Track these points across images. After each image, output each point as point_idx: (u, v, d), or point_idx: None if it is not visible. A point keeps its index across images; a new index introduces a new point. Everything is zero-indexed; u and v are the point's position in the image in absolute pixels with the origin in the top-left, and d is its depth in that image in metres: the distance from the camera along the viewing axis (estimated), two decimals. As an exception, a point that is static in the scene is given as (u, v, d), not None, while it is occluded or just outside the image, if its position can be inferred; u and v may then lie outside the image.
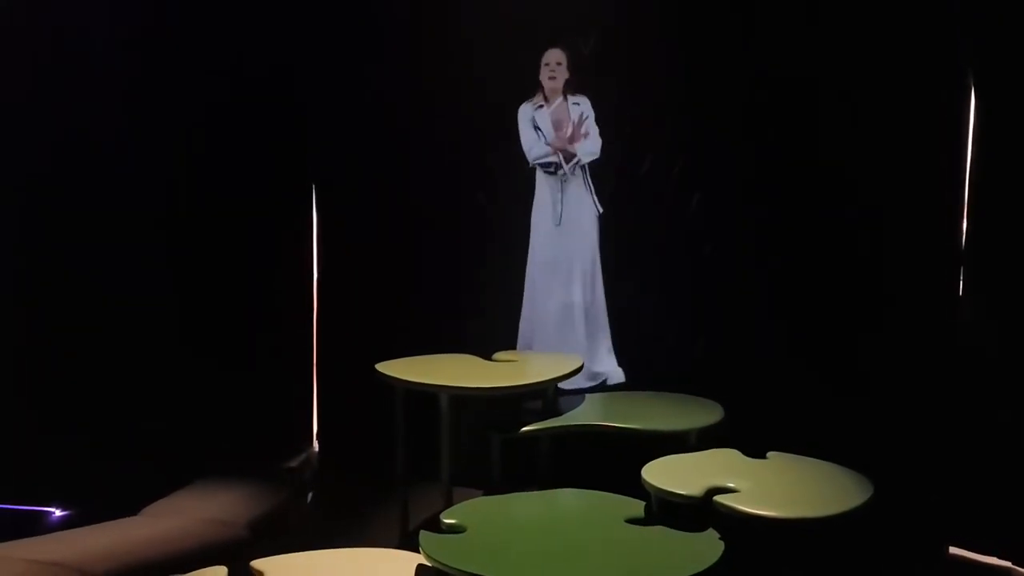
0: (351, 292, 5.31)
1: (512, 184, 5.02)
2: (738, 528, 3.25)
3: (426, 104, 5.09)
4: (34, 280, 4.83)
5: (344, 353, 5.26)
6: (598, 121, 4.91)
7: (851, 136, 4.46)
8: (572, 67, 4.92)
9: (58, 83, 4.73)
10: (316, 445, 5.46)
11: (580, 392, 4.75)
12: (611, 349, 4.95)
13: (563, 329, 4.98)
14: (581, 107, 4.92)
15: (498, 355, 4.60)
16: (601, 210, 4.90)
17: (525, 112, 4.99)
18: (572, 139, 4.88)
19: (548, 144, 4.93)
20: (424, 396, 4.12)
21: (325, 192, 5.38)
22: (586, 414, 4.25)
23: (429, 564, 3.06)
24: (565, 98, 4.94)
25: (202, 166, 4.98)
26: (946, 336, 4.36)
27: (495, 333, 5.00)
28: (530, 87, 4.97)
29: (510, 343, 4.99)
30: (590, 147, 4.90)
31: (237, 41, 4.98)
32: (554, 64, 4.94)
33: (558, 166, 4.93)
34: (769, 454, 3.77)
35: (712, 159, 4.72)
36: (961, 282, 4.33)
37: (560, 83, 4.94)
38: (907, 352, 4.42)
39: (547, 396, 4.34)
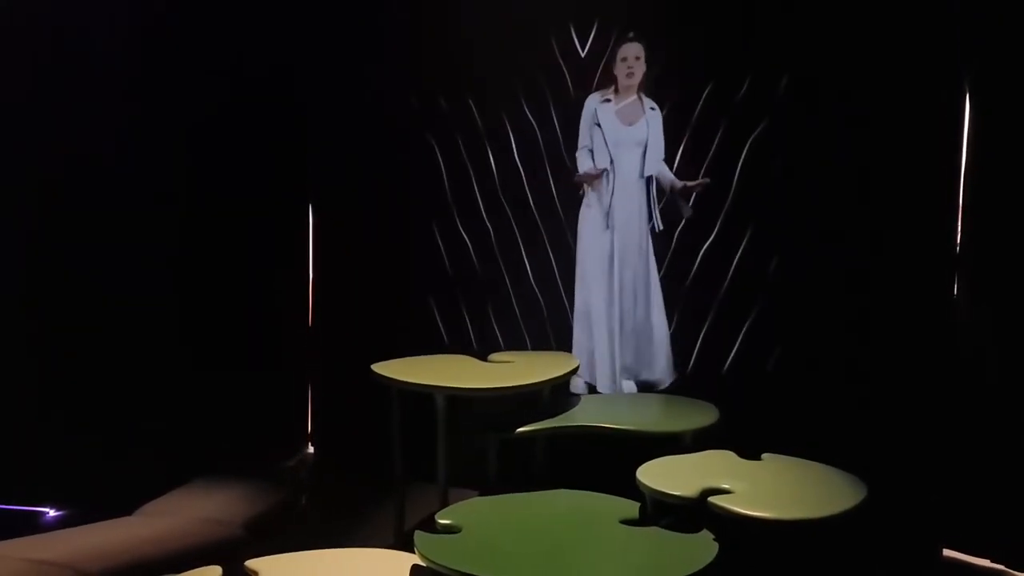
0: (349, 292, 5.33)
1: (511, 184, 5.02)
2: (733, 529, 3.25)
3: (426, 104, 5.10)
4: (34, 280, 4.83)
5: (341, 353, 5.27)
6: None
7: (849, 136, 4.45)
8: (649, 62, 4.69)
9: (58, 83, 4.73)
10: (313, 445, 5.47)
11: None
12: (636, 375, 4.87)
13: (590, 334, 4.91)
14: (656, 112, 4.71)
15: (494, 356, 4.60)
16: (661, 227, 4.74)
17: (589, 106, 4.80)
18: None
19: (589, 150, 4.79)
20: (421, 397, 4.12)
21: (324, 192, 5.39)
22: (582, 415, 4.24)
23: (424, 564, 3.06)
24: (640, 97, 4.74)
25: (202, 166, 4.99)
26: (942, 338, 4.35)
27: (493, 335, 5.01)
28: (531, 87, 4.95)
29: (507, 344, 4.99)
30: (659, 170, 4.72)
31: (237, 41, 4.99)
32: (632, 59, 4.71)
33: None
34: (764, 456, 3.77)
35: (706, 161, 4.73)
36: (957, 284, 4.33)
37: (637, 79, 4.71)
38: (903, 354, 4.41)
39: (543, 397, 4.33)
